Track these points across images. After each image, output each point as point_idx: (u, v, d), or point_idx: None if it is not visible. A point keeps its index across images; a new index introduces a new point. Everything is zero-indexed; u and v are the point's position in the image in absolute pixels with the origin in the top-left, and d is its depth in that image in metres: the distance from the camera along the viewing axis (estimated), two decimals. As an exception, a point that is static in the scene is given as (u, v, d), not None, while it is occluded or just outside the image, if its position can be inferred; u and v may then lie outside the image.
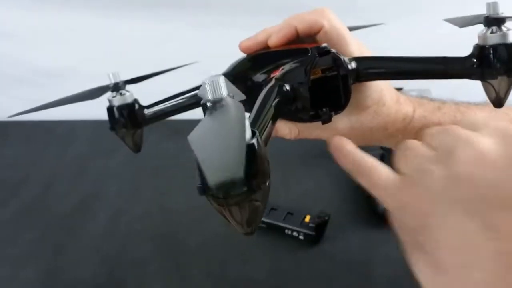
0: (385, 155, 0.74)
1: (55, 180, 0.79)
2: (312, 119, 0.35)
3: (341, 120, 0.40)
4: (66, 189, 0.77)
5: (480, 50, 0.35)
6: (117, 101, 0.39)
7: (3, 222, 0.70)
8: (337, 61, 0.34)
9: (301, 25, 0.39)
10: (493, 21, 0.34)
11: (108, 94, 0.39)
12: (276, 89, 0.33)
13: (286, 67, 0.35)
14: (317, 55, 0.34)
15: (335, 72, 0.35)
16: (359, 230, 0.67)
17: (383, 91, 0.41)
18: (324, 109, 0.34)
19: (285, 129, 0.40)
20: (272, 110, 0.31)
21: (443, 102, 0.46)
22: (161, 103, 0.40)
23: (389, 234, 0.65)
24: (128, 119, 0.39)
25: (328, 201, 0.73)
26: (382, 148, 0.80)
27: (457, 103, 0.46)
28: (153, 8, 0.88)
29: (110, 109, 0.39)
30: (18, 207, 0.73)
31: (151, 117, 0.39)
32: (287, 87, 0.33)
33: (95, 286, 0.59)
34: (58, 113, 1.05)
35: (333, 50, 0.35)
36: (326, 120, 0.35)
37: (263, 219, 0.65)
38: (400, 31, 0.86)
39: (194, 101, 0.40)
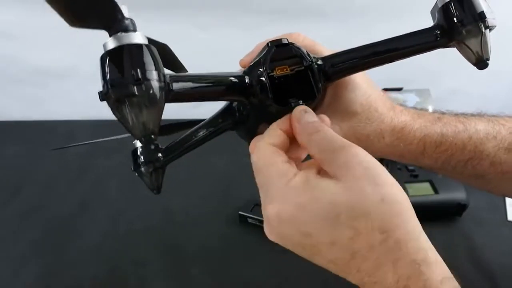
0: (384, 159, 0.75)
1: (55, 180, 0.79)
2: (283, 112, 0.35)
3: (333, 128, 0.39)
4: (66, 189, 0.77)
5: (440, 13, 0.36)
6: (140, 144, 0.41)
7: (3, 222, 0.70)
8: (297, 53, 0.35)
9: None
10: None
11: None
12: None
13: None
14: (274, 47, 0.35)
15: (301, 67, 0.35)
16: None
17: (371, 96, 0.41)
18: (293, 100, 0.35)
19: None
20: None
21: (442, 112, 0.46)
22: (179, 144, 0.42)
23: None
24: (150, 160, 0.41)
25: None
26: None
27: (456, 114, 0.47)
28: (155, 9, 0.88)
29: (134, 151, 0.41)
30: (18, 207, 0.73)
31: (170, 160, 0.42)
32: (248, 79, 0.36)
33: (95, 286, 0.59)
34: (58, 113, 1.05)
35: (292, 44, 0.36)
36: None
37: (259, 217, 0.65)
38: (400, 31, 0.86)
39: (209, 133, 0.43)
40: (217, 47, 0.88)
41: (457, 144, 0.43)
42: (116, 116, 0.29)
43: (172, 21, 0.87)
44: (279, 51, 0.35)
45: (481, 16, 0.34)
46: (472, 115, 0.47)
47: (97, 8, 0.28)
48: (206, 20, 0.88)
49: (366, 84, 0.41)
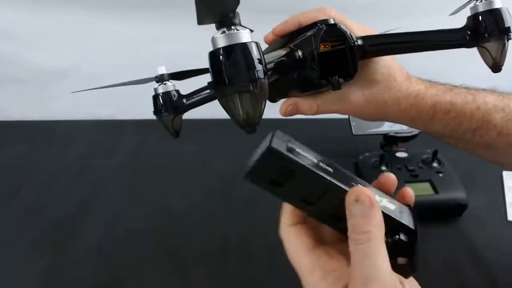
0: (385, 156, 0.75)
1: (55, 180, 0.79)
2: (323, 86, 0.40)
3: (355, 94, 0.44)
4: (66, 189, 0.77)
5: (472, 19, 0.40)
6: (161, 89, 0.43)
7: (4, 222, 0.70)
8: (342, 33, 0.39)
9: (305, 21, 0.42)
10: None
11: (153, 84, 0.43)
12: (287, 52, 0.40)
13: (300, 37, 0.40)
14: (324, 26, 0.39)
15: (343, 45, 0.39)
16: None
17: (392, 68, 0.44)
18: (334, 77, 0.39)
19: (305, 105, 0.45)
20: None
21: (454, 85, 0.49)
22: (197, 92, 0.43)
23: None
24: (170, 105, 0.42)
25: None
26: (382, 148, 0.80)
27: (467, 87, 0.50)
28: (155, 8, 0.88)
29: (155, 96, 0.43)
30: (18, 207, 0.73)
31: (189, 105, 0.43)
32: (300, 53, 0.39)
33: (95, 286, 0.59)
34: (58, 113, 1.06)
35: (339, 24, 0.39)
36: (336, 86, 0.39)
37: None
38: (398, 31, 0.86)
39: None
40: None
41: (465, 113, 0.47)
42: (225, 107, 0.32)
43: (172, 21, 0.87)
44: (328, 30, 0.39)
45: (507, 31, 0.39)
46: (484, 89, 0.50)
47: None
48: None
49: (388, 56, 0.44)
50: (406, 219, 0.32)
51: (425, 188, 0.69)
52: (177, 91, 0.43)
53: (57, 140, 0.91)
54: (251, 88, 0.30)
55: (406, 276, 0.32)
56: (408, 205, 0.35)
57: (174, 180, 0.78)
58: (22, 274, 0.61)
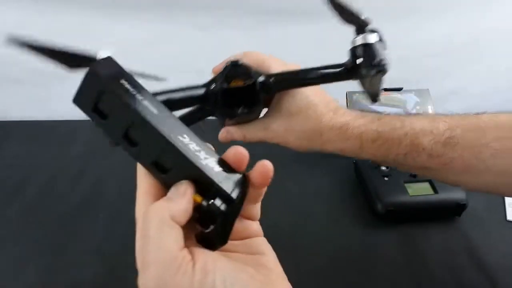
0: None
1: (55, 180, 0.79)
2: (233, 115, 0.47)
3: (276, 124, 0.49)
4: (66, 189, 0.77)
5: (350, 52, 0.44)
6: None
7: (4, 221, 0.70)
8: (246, 71, 0.45)
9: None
10: (360, 28, 0.43)
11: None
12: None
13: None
14: (229, 65, 0.45)
15: (248, 82, 0.45)
16: (359, 230, 0.68)
17: (311, 101, 0.48)
18: (240, 108, 0.46)
19: (235, 132, 0.51)
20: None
21: (387, 114, 0.52)
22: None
23: (389, 234, 0.66)
24: None
25: (328, 201, 0.74)
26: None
27: (399, 114, 0.53)
28: (154, 9, 0.88)
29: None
30: (18, 207, 0.73)
31: None
32: (211, 88, 0.46)
33: (95, 286, 0.59)
34: (58, 113, 1.06)
35: (245, 63, 0.45)
36: (232, 116, 0.47)
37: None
38: (399, 31, 0.86)
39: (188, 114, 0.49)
40: (217, 47, 0.88)
41: (393, 140, 0.49)
42: None
43: (172, 21, 0.87)
44: (233, 69, 0.45)
45: (377, 64, 0.42)
46: (416, 114, 0.53)
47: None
48: (206, 20, 0.88)
49: (309, 90, 0.49)
50: (229, 186, 0.30)
51: (424, 188, 0.69)
52: None
53: (57, 140, 0.91)
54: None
55: (214, 246, 0.30)
56: (243, 173, 0.32)
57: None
58: (21, 274, 0.61)
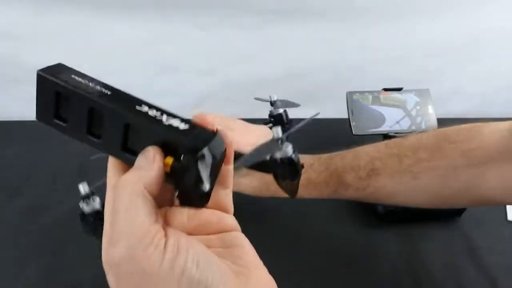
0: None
1: (56, 180, 0.79)
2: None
3: (244, 180, 0.55)
4: (66, 189, 0.77)
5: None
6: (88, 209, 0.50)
7: (4, 222, 0.70)
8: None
9: None
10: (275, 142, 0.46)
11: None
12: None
13: None
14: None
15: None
16: (359, 230, 0.67)
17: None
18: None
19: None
20: None
21: (318, 158, 0.59)
22: None
23: (389, 233, 0.66)
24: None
25: (328, 201, 0.73)
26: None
27: (328, 156, 0.58)
28: (154, 9, 0.88)
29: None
30: (18, 207, 0.73)
31: None
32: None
33: (95, 286, 0.59)
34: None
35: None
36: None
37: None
38: (399, 31, 0.86)
39: None
40: (217, 47, 0.88)
41: (320, 182, 0.56)
42: None
43: (172, 21, 0.87)
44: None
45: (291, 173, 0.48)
46: (343, 152, 0.57)
47: None
48: (206, 20, 0.88)
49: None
50: (199, 139, 0.28)
51: (424, 188, 0.69)
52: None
53: (57, 140, 0.91)
54: None
55: (200, 202, 0.29)
56: (212, 131, 0.29)
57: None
58: (21, 275, 0.61)
